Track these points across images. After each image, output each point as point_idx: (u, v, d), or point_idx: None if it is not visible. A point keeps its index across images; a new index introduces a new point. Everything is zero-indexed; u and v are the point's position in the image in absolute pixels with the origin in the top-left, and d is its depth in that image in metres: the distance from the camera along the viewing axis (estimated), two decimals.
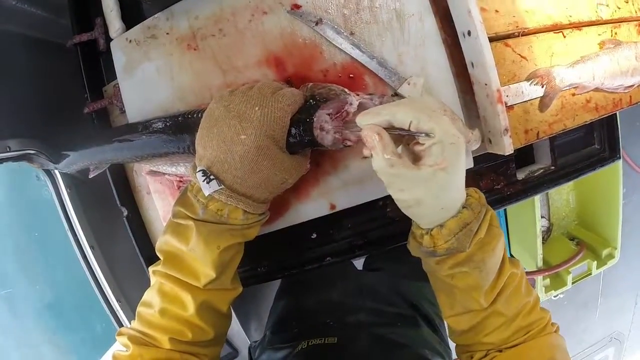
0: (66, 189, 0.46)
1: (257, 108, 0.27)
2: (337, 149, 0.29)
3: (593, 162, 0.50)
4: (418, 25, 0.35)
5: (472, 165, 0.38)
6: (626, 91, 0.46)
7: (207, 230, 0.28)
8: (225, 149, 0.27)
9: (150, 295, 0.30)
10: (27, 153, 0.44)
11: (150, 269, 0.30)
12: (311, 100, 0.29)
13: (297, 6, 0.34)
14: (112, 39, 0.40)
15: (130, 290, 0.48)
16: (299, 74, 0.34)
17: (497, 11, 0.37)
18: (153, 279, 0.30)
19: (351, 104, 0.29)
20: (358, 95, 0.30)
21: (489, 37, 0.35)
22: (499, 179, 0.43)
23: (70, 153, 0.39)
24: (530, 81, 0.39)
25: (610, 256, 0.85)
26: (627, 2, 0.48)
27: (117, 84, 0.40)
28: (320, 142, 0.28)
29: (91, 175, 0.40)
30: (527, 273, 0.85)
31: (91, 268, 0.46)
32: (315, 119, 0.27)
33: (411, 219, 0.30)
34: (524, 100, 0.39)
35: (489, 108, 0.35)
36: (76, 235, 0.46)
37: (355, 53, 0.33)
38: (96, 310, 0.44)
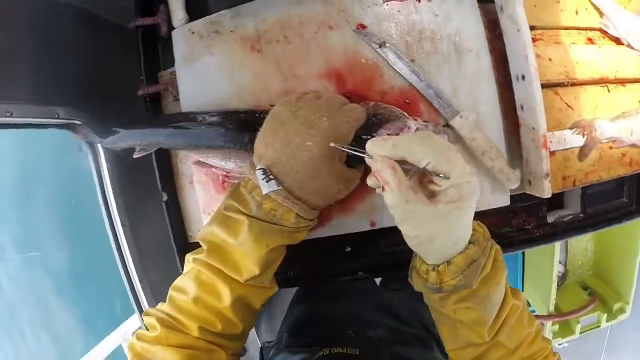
0: (106, 164, 0.47)
1: (325, 118, 0.29)
2: None
3: (620, 214, 0.51)
4: (474, 62, 0.37)
5: (508, 203, 0.39)
6: None
7: (259, 227, 0.29)
8: (290, 152, 0.28)
9: (185, 282, 0.31)
10: (73, 123, 0.45)
11: (190, 255, 0.31)
12: (373, 119, 0.31)
13: (362, 26, 0.37)
14: (173, 28, 0.43)
15: (154, 274, 0.49)
16: (358, 91, 0.36)
17: (550, 59, 0.39)
18: (189, 266, 0.31)
19: (410, 127, 0.30)
20: (416, 120, 0.32)
21: (540, 84, 0.37)
22: (530, 219, 0.44)
23: (121, 131, 0.40)
24: (573, 130, 0.41)
25: (621, 311, 0.85)
26: None
27: (175, 72, 0.42)
28: None
29: (136, 156, 0.41)
30: (537, 317, 0.85)
31: (119, 246, 0.47)
32: (376, 137, 0.29)
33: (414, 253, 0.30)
34: (566, 147, 0.40)
35: (533, 151, 0.37)
36: (109, 211, 0.47)
37: (414, 80, 0.35)
38: (118, 289, 0.45)
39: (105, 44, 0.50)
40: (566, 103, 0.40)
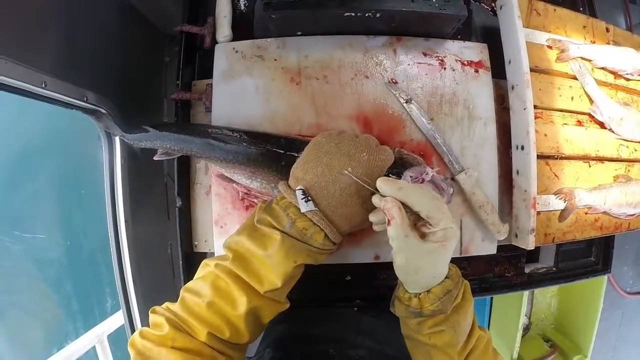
0: (121, 159, 0.50)
1: (364, 154, 0.35)
2: None
3: (587, 271, 0.63)
4: (482, 129, 0.46)
5: (494, 252, 0.47)
6: (627, 218, 0.59)
7: (290, 243, 0.33)
8: (330, 178, 0.34)
9: (200, 285, 0.34)
10: (98, 110, 0.49)
11: (211, 261, 0.35)
12: (400, 161, 0.38)
13: (394, 81, 0.44)
14: (217, 42, 0.48)
15: (147, 277, 0.52)
16: (381, 137, 0.43)
17: (545, 135, 0.49)
18: (207, 270, 0.34)
19: (427, 174, 0.38)
20: (432, 168, 0.39)
21: (537, 155, 0.46)
22: (510, 268, 0.53)
23: (151, 130, 0.44)
24: (557, 196, 0.51)
25: None
26: None
27: (211, 84, 0.47)
28: None
29: (157, 158, 0.45)
30: None
31: (118, 242, 0.50)
32: (402, 177, 0.37)
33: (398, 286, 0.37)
34: (549, 209, 0.50)
35: (523, 210, 0.46)
36: (115, 204, 0.50)
37: (431, 135, 0.43)
38: (112, 285, 0.48)
39: (144, 43, 0.54)
40: (554, 173, 0.50)
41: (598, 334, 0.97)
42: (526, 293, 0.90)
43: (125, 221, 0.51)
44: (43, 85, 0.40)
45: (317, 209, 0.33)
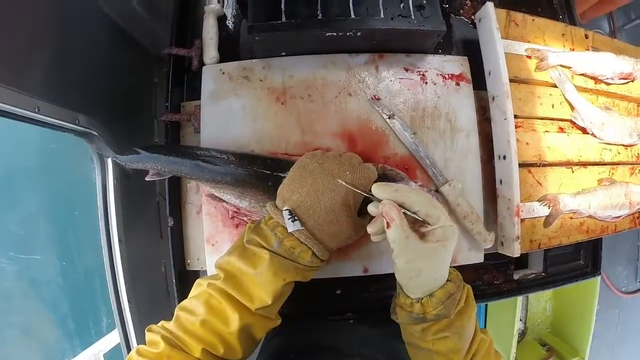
0: (113, 180, 0.52)
1: (348, 172, 0.37)
2: None
3: (577, 274, 0.65)
4: (465, 140, 0.48)
5: (482, 260, 0.50)
6: (613, 221, 0.62)
7: (279, 262, 0.35)
8: (315, 198, 0.36)
9: (194, 304, 0.36)
10: (90, 132, 0.51)
11: (204, 280, 0.37)
12: (384, 177, 0.40)
13: (377, 97, 0.47)
14: (204, 64, 0.50)
15: (142, 296, 0.54)
16: (365, 153, 0.45)
17: (527, 143, 0.51)
18: (200, 289, 0.36)
19: (411, 186, 0.40)
20: (416, 182, 0.41)
21: (518, 163, 0.48)
22: (499, 276, 0.55)
23: (142, 152, 0.46)
24: (541, 202, 0.54)
25: None
26: (626, 149, 0.65)
27: (199, 105, 0.49)
28: None
29: (148, 179, 0.47)
30: None
31: (113, 262, 0.51)
32: (381, 182, 0.38)
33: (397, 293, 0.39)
34: (534, 216, 0.53)
35: (507, 218, 0.48)
36: (108, 224, 0.52)
37: (414, 149, 0.46)
38: (107, 304, 0.49)
39: (134, 65, 0.56)
40: (537, 180, 0.52)
41: (595, 335, 1.00)
42: (520, 299, 0.93)
43: (119, 241, 0.53)
44: (36, 110, 0.43)
45: (303, 228, 0.36)
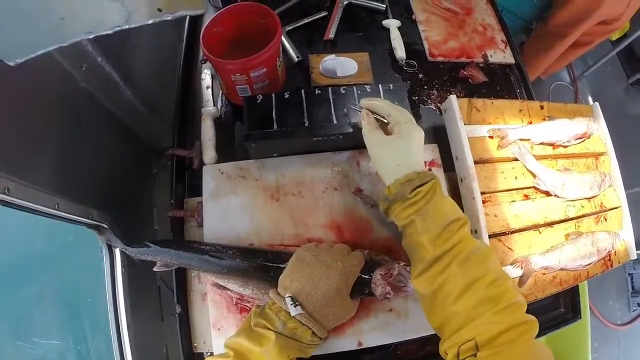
0: (121, 269, 0.58)
1: (339, 262, 0.45)
2: (381, 299, 0.46)
3: (559, 322, 0.71)
4: None
5: None
6: (585, 268, 0.69)
7: (284, 341, 0.41)
8: (312, 286, 0.43)
9: None
10: (101, 225, 0.57)
11: (215, 358, 0.42)
12: (370, 262, 0.47)
13: (359, 190, 0.54)
14: (204, 164, 0.57)
15: None
16: (352, 240, 0.52)
17: (495, 216, 0.59)
18: None
19: (394, 268, 0.47)
20: (399, 264, 0.48)
21: (488, 235, 0.56)
22: None
23: (152, 246, 0.52)
24: (513, 265, 0.61)
25: None
26: (588, 201, 0.73)
27: (201, 202, 0.56)
28: (373, 292, 0.46)
29: (156, 269, 0.53)
30: None
31: (121, 347, 0.56)
32: (373, 276, 0.46)
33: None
34: None
35: None
36: (117, 311, 0.56)
37: (396, 232, 0.52)
38: None
39: (136, 158, 0.63)
40: (507, 247, 0.60)
41: None
42: None
43: (128, 327, 0.57)
44: (56, 207, 0.49)
45: (304, 312, 0.42)
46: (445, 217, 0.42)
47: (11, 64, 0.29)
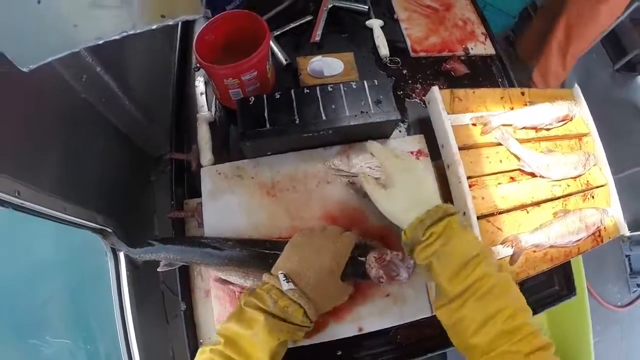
0: (126, 272, 0.60)
1: (331, 242, 0.47)
2: (375, 282, 0.48)
3: (554, 299, 0.74)
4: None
5: None
6: (575, 245, 0.71)
7: (273, 322, 0.42)
8: (305, 265, 0.45)
9: None
10: (105, 229, 0.59)
11: (207, 347, 0.42)
12: (365, 244, 0.50)
13: (352, 182, 0.57)
14: (202, 166, 0.60)
15: None
16: (347, 229, 0.54)
17: (483, 198, 0.62)
18: (203, 356, 0.42)
19: (387, 254, 0.50)
20: (392, 252, 0.51)
21: (477, 217, 0.59)
22: None
23: (156, 244, 0.55)
24: (503, 245, 0.63)
25: None
26: (574, 181, 0.76)
27: (200, 202, 0.59)
28: (368, 274, 0.48)
29: (160, 269, 0.56)
30: None
31: (129, 347, 0.58)
32: (367, 258, 0.48)
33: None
34: (499, 258, 0.62)
35: None
36: (124, 313, 0.59)
37: (388, 221, 0.55)
38: None
39: (135, 166, 0.66)
40: (496, 227, 0.63)
41: (603, 354, 1.04)
42: None
43: (134, 328, 0.60)
44: (64, 211, 0.51)
45: (296, 287, 0.43)
46: (462, 256, 0.42)
47: (25, 69, 0.32)
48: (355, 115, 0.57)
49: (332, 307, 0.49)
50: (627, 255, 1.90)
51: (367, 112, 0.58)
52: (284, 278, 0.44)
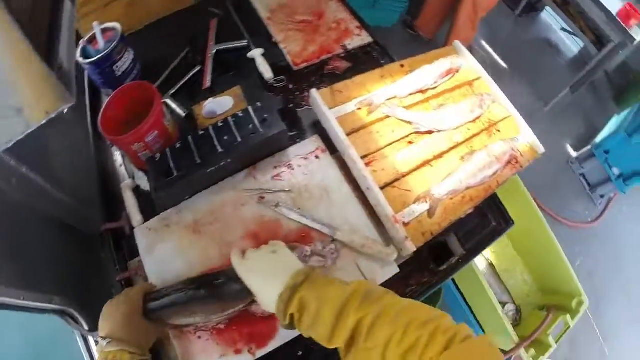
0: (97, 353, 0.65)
1: (123, 296, 0.56)
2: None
3: (493, 235, 0.78)
4: (339, 194, 0.66)
5: (398, 271, 0.64)
6: (492, 178, 0.77)
7: None
8: (111, 321, 0.52)
9: None
10: (65, 310, 0.64)
11: None
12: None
13: (262, 197, 0.64)
14: (134, 227, 0.67)
15: None
16: (269, 239, 0.61)
17: (383, 169, 0.69)
18: None
19: (307, 251, 0.56)
20: (310, 245, 0.57)
21: (380, 187, 0.66)
22: (424, 274, 0.69)
23: None
24: (417, 203, 0.69)
25: (580, 303, 1.07)
26: (474, 123, 0.83)
27: (140, 260, 0.64)
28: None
29: None
30: (510, 352, 0.99)
31: None
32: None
33: None
34: (417, 216, 0.67)
35: (392, 228, 0.63)
36: None
37: (303, 220, 0.62)
38: None
39: (79, 246, 0.72)
40: (404, 189, 0.69)
41: (583, 272, 1.09)
42: (487, 287, 1.03)
43: None
44: (22, 299, 0.56)
45: (112, 340, 0.50)
46: (330, 315, 0.42)
47: None
48: (246, 139, 0.65)
49: (155, 338, 0.56)
50: (581, 174, 1.98)
51: (255, 133, 0.65)
52: (103, 340, 0.52)
